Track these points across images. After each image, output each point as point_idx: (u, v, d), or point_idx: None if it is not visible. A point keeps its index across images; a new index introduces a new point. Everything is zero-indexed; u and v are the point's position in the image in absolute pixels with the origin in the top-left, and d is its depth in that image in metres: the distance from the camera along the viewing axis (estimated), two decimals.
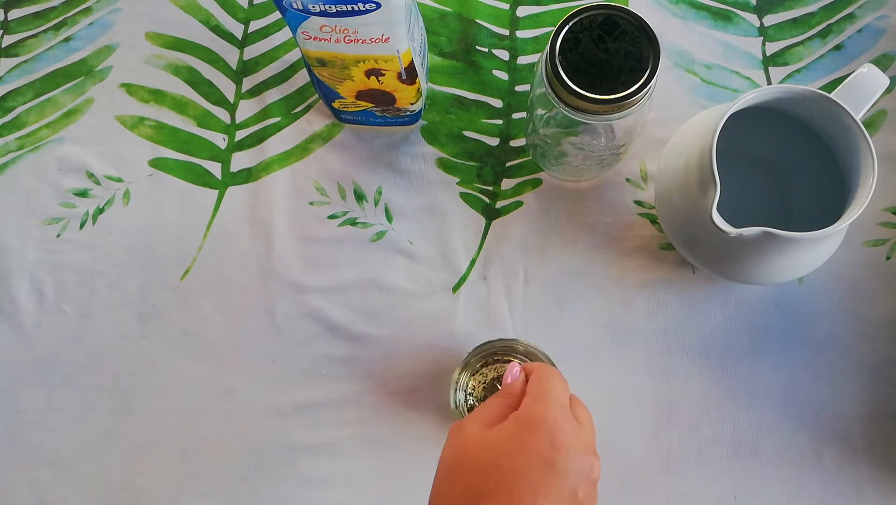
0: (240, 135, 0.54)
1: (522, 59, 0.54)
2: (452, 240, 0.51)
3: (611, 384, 0.49)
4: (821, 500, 0.46)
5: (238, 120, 0.54)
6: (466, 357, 0.46)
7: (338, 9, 0.39)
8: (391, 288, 0.51)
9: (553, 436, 0.33)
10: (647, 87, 0.38)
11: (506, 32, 0.55)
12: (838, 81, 0.47)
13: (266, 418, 0.49)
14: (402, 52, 0.43)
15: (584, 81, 0.38)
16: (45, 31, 0.56)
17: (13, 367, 0.50)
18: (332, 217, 0.52)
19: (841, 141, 0.41)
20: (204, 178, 0.53)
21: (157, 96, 0.55)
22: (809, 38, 0.54)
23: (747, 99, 0.40)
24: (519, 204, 0.52)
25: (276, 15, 0.56)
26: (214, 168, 0.53)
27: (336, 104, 0.50)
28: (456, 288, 0.51)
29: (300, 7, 0.39)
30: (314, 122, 0.54)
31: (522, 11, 0.55)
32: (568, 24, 0.38)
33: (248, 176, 0.53)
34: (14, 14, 0.57)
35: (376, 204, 0.52)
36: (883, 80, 0.40)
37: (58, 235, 0.52)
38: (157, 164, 0.53)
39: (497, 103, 0.53)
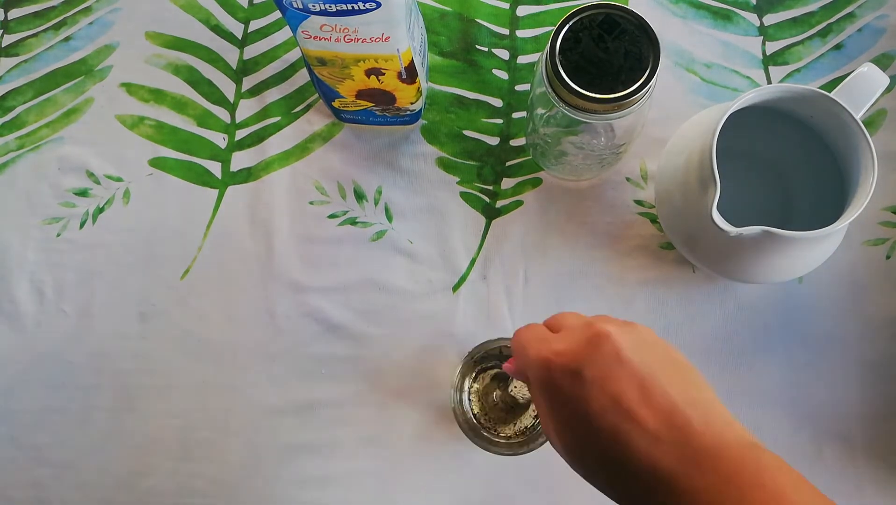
0: (240, 134, 0.54)
1: (522, 59, 0.54)
2: (452, 239, 0.51)
3: None
4: None
5: (238, 119, 0.54)
6: (466, 357, 0.46)
7: (338, 8, 0.39)
8: (391, 288, 0.51)
9: (555, 371, 0.30)
10: (648, 86, 0.38)
11: (506, 32, 0.55)
12: (838, 81, 0.47)
13: (266, 418, 0.49)
14: (402, 52, 0.43)
15: (585, 80, 0.38)
16: (45, 30, 0.56)
17: (13, 367, 0.50)
18: (332, 217, 0.52)
19: (841, 140, 0.41)
20: (204, 178, 0.53)
21: (157, 96, 0.55)
22: (809, 38, 0.54)
23: (747, 98, 0.40)
24: (519, 203, 0.52)
25: (277, 14, 0.56)
26: (214, 168, 0.53)
27: (336, 103, 0.50)
28: (456, 287, 0.51)
29: (300, 6, 0.39)
30: (314, 121, 0.54)
31: (522, 11, 0.55)
32: (568, 23, 0.38)
33: (248, 175, 0.53)
34: (14, 14, 0.57)
35: (376, 203, 0.52)
36: (883, 80, 0.40)
37: (58, 235, 0.52)
38: (157, 163, 0.53)
39: (497, 102, 0.53)
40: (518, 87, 0.54)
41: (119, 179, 0.53)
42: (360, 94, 0.48)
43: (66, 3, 0.57)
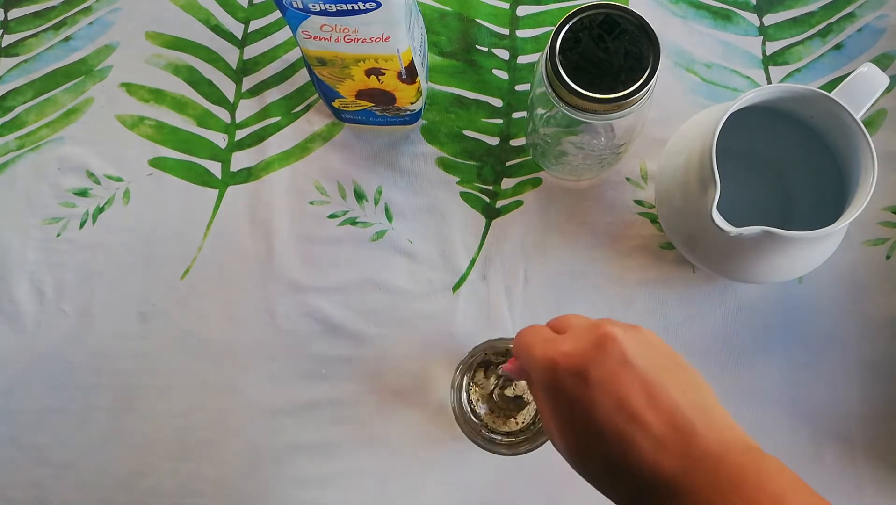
0: (240, 134, 0.54)
1: (522, 59, 0.54)
2: (452, 239, 0.51)
3: None
4: None
5: (238, 119, 0.54)
6: (466, 357, 0.46)
7: (338, 8, 0.39)
8: (391, 288, 0.51)
9: (561, 372, 0.30)
10: (648, 86, 0.38)
11: (506, 32, 0.55)
12: (838, 81, 0.47)
13: (266, 418, 0.49)
14: (402, 52, 0.43)
15: (585, 80, 0.38)
16: (45, 30, 0.56)
17: (13, 367, 0.50)
18: (332, 216, 0.52)
19: (841, 140, 0.41)
20: (204, 178, 0.53)
21: (157, 96, 0.55)
22: (809, 38, 0.54)
23: (747, 98, 0.40)
24: (519, 203, 0.52)
25: (277, 14, 0.56)
26: (214, 167, 0.53)
27: (336, 103, 0.50)
28: (456, 287, 0.51)
29: (300, 6, 0.39)
30: (314, 121, 0.54)
31: (522, 11, 0.55)
32: (568, 23, 0.38)
33: (248, 175, 0.53)
34: (14, 14, 0.57)
35: (376, 203, 0.52)
36: (883, 80, 0.40)
37: (58, 235, 0.52)
38: (157, 163, 0.53)
39: (497, 102, 0.53)
40: (518, 87, 0.54)
41: (119, 179, 0.53)
42: (360, 94, 0.48)
43: (66, 3, 0.57)
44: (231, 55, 0.55)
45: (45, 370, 0.50)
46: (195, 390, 0.50)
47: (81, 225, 0.52)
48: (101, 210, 0.53)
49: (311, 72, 0.47)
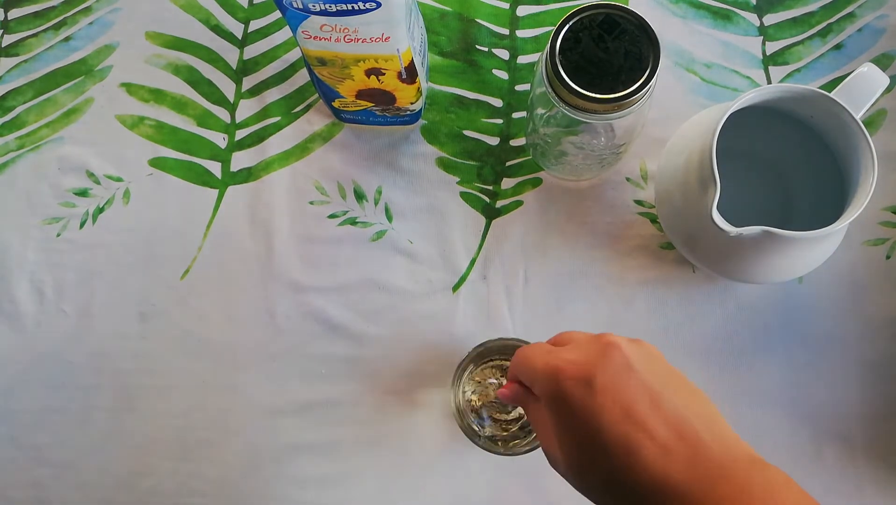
0: (240, 134, 0.54)
1: (522, 59, 0.54)
2: (452, 239, 0.51)
3: None
4: (821, 499, 0.45)
5: (238, 119, 0.54)
6: (466, 357, 0.46)
7: (338, 8, 0.39)
8: (391, 288, 0.51)
9: (566, 380, 0.30)
10: (648, 86, 0.38)
11: (506, 32, 0.55)
12: (838, 81, 0.47)
13: (266, 418, 0.49)
14: (402, 52, 0.43)
15: (585, 80, 0.38)
16: (44, 30, 0.56)
17: (13, 367, 0.50)
18: (332, 216, 0.52)
19: (841, 140, 0.41)
20: (204, 178, 0.53)
21: (157, 96, 0.55)
22: (809, 38, 0.54)
23: (747, 98, 0.40)
24: (519, 203, 0.52)
25: (277, 14, 0.56)
26: (214, 167, 0.53)
27: (336, 103, 0.50)
28: (456, 287, 0.51)
29: (300, 6, 0.39)
30: (314, 121, 0.54)
31: (522, 11, 0.55)
32: (568, 23, 0.38)
33: (248, 175, 0.53)
34: (14, 14, 0.57)
35: (376, 203, 0.52)
36: (883, 80, 0.40)
37: (58, 235, 0.52)
38: (157, 163, 0.53)
39: (497, 102, 0.53)
40: (518, 87, 0.54)
41: (119, 179, 0.53)
42: (360, 94, 0.48)
43: (66, 3, 0.57)
44: (231, 55, 0.55)
45: (45, 370, 0.50)
46: (195, 390, 0.50)
47: (81, 225, 0.52)
48: (101, 210, 0.53)
49: (311, 72, 0.47)
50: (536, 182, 0.52)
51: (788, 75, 0.53)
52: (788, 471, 0.28)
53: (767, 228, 0.37)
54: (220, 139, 0.54)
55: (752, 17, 0.54)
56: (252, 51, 0.55)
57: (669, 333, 0.49)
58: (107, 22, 0.56)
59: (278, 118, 0.54)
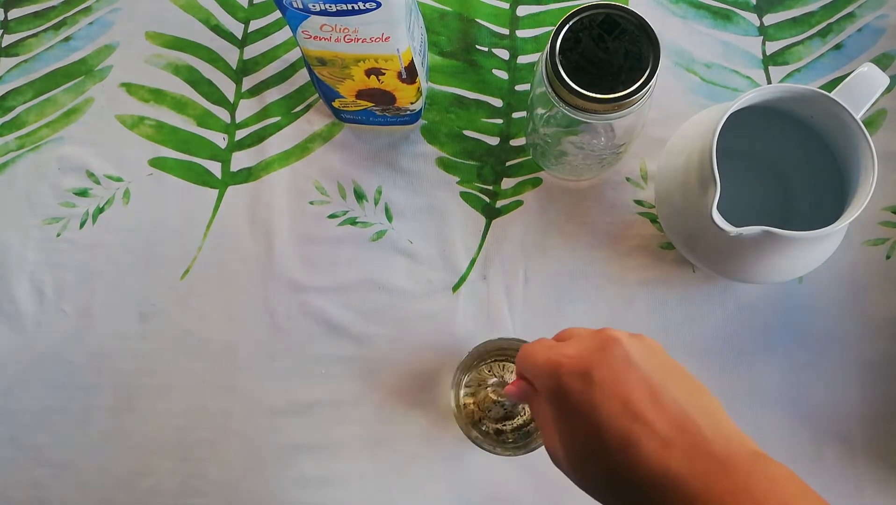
0: (240, 134, 0.54)
1: (522, 59, 0.54)
2: (452, 239, 0.51)
3: None
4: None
5: (238, 119, 0.54)
6: (466, 357, 0.46)
7: (338, 8, 0.39)
8: (391, 287, 0.51)
9: (565, 375, 0.30)
10: (648, 86, 0.38)
11: (506, 32, 0.55)
12: (838, 81, 0.47)
13: (266, 418, 0.49)
14: (402, 52, 0.43)
15: (585, 80, 0.38)
16: (44, 30, 0.56)
17: (13, 367, 0.50)
18: (332, 216, 0.52)
19: (841, 140, 0.41)
20: (204, 178, 0.53)
21: (157, 96, 0.55)
22: (809, 38, 0.54)
23: (747, 98, 0.40)
24: (519, 203, 0.52)
25: (277, 14, 0.56)
26: (214, 167, 0.53)
27: (336, 103, 0.50)
28: (456, 287, 0.51)
29: (300, 6, 0.39)
30: (314, 121, 0.54)
31: (522, 11, 0.55)
32: (568, 23, 0.38)
33: (248, 175, 0.53)
34: (14, 14, 0.57)
35: (376, 203, 0.52)
36: (883, 80, 0.40)
37: (58, 235, 0.52)
38: (157, 163, 0.53)
39: (497, 102, 0.53)
40: (518, 87, 0.54)
41: (119, 179, 0.53)
42: (360, 94, 0.48)
43: (66, 3, 0.57)
44: (231, 55, 0.55)
45: (45, 370, 0.50)
46: (195, 390, 0.50)
47: (81, 225, 0.52)
48: (101, 210, 0.53)
49: (311, 72, 0.47)
50: (536, 182, 0.52)
51: (788, 75, 0.53)
52: None
53: (767, 228, 0.37)
54: (220, 139, 0.54)
55: (752, 17, 0.54)
56: (252, 51, 0.55)
57: (669, 333, 0.49)
58: (107, 22, 0.56)
59: (278, 118, 0.54)
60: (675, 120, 0.47)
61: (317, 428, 0.49)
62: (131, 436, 0.49)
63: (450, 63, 0.54)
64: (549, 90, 0.39)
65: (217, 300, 0.51)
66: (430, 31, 0.54)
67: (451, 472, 0.48)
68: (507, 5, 0.55)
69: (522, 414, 0.47)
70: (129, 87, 0.55)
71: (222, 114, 0.54)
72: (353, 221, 0.52)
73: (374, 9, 0.39)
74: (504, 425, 0.47)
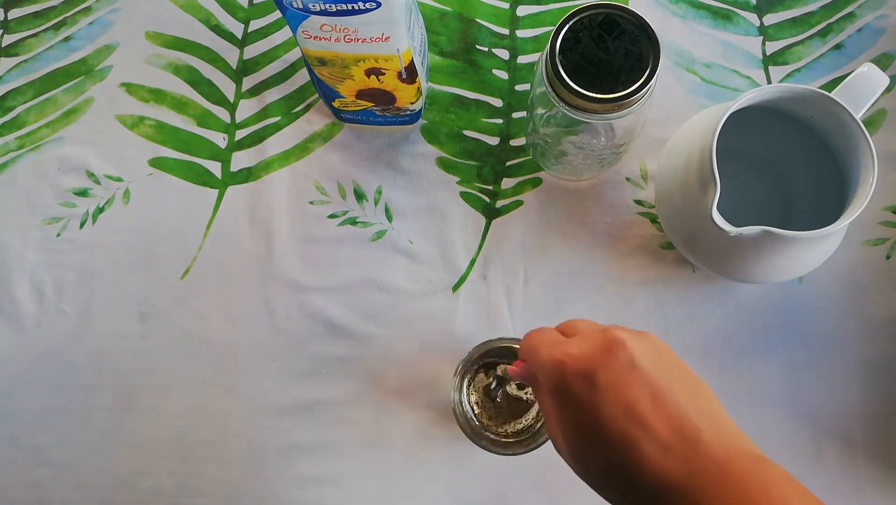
0: (240, 134, 0.54)
1: (522, 59, 0.54)
2: (452, 239, 0.51)
3: None
4: (821, 499, 0.46)
5: (238, 119, 0.54)
6: (466, 357, 0.46)
7: (338, 8, 0.39)
8: (391, 287, 0.51)
9: (569, 374, 0.30)
10: (648, 86, 0.38)
11: (506, 32, 0.55)
12: (838, 80, 0.47)
13: (266, 418, 0.49)
14: (402, 52, 0.43)
15: (585, 80, 0.38)
16: (44, 30, 0.56)
17: (13, 367, 0.50)
18: (332, 216, 0.52)
19: (841, 140, 0.41)
20: (204, 178, 0.53)
21: (157, 96, 0.55)
22: (809, 38, 0.54)
23: (747, 98, 0.40)
24: (519, 203, 0.52)
25: (277, 14, 0.56)
26: (214, 167, 0.53)
27: (336, 103, 0.50)
28: (456, 287, 0.51)
29: (300, 6, 0.39)
30: (314, 121, 0.54)
31: (522, 11, 0.55)
32: (568, 23, 0.38)
33: (248, 175, 0.53)
34: (14, 13, 0.57)
35: (376, 203, 0.52)
36: (883, 80, 0.40)
37: (58, 235, 0.52)
38: (157, 163, 0.53)
39: (497, 102, 0.53)
40: (518, 87, 0.54)
41: (119, 179, 0.53)
42: (360, 94, 0.48)
43: (66, 3, 0.57)
44: (231, 55, 0.55)
45: (45, 370, 0.50)
46: (195, 390, 0.50)
47: (81, 225, 0.52)
48: (101, 210, 0.53)
49: (311, 72, 0.47)
50: (536, 182, 0.52)
51: (788, 75, 0.53)
52: (788, 470, 0.28)
53: (767, 228, 0.37)
54: (220, 139, 0.54)
55: (752, 17, 0.54)
56: (252, 51, 0.55)
57: (669, 333, 0.49)
58: (107, 22, 0.56)
59: (278, 118, 0.54)
60: (675, 120, 0.47)
61: (317, 428, 0.49)
62: (131, 436, 0.49)
63: (450, 63, 0.54)
64: (549, 90, 0.39)
65: (217, 300, 0.51)
66: (430, 31, 0.54)
67: (451, 472, 0.48)
68: (507, 5, 0.55)
69: (522, 415, 0.47)
70: (129, 87, 0.55)
71: (222, 114, 0.54)
72: (353, 221, 0.52)
73: (374, 9, 0.39)
74: (504, 426, 0.47)
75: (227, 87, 0.55)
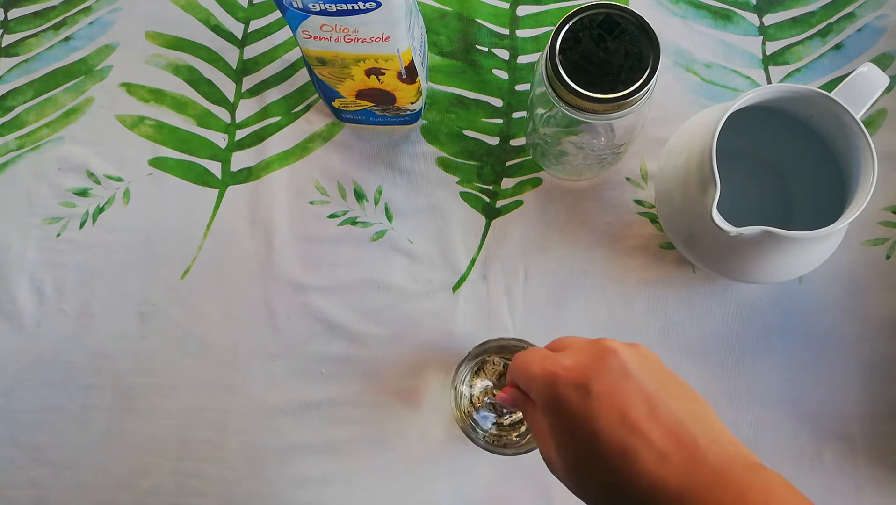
0: (240, 134, 0.54)
1: (522, 59, 0.54)
2: (452, 239, 0.51)
3: None
4: (821, 499, 0.46)
5: (238, 119, 0.54)
6: (466, 357, 0.46)
7: (338, 8, 0.39)
8: (391, 287, 0.51)
9: (562, 385, 0.30)
10: (648, 86, 0.38)
11: (506, 32, 0.55)
12: (838, 80, 0.47)
13: (266, 418, 0.49)
14: (402, 52, 0.43)
15: (585, 80, 0.38)
16: (44, 30, 0.56)
17: (13, 367, 0.50)
18: (332, 216, 0.52)
19: (841, 140, 0.41)
20: (204, 178, 0.53)
21: (157, 96, 0.55)
22: (809, 38, 0.54)
23: (747, 98, 0.40)
24: (519, 203, 0.52)
25: (277, 14, 0.56)
26: (214, 167, 0.53)
27: (336, 103, 0.50)
28: (456, 287, 0.51)
29: (300, 6, 0.39)
30: (314, 121, 0.54)
31: (522, 11, 0.55)
32: (568, 23, 0.38)
33: (248, 175, 0.53)
34: (14, 13, 0.57)
35: (376, 203, 0.52)
36: (883, 80, 0.40)
37: (58, 235, 0.52)
38: (157, 163, 0.53)
39: (497, 102, 0.53)
40: (518, 87, 0.54)
41: (119, 179, 0.53)
42: (360, 94, 0.48)
43: (66, 3, 0.57)
44: (231, 55, 0.55)
45: (45, 370, 0.50)
46: (195, 390, 0.50)
47: (81, 225, 0.52)
48: (101, 210, 0.53)
49: (311, 72, 0.47)
50: (536, 182, 0.52)
51: (788, 75, 0.53)
52: (788, 472, 0.28)
53: (767, 228, 0.37)
54: (220, 139, 0.54)
55: (752, 17, 0.54)
56: (252, 51, 0.55)
57: (669, 333, 0.49)
58: (107, 22, 0.56)
59: (278, 118, 0.54)
60: (675, 120, 0.47)
61: (317, 428, 0.49)
62: (131, 436, 0.49)
63: (450, 63, 0.54)
64: (549, 90, 0.39)
65: (217, 300, 0.51)
66: (430, 31, 0.54)
67: (451, 472, 0.48)
68: (507, 5, 0.55)
69: (521, 415, 0.47)
70: (129, 87, 0.55)
71: (222, 114, 0.54)
72: (353, 221, 0.52)
73: (374, 9, 0.39)
74: (503, 425, 0.47)
75: (227, 87, 0.55)
